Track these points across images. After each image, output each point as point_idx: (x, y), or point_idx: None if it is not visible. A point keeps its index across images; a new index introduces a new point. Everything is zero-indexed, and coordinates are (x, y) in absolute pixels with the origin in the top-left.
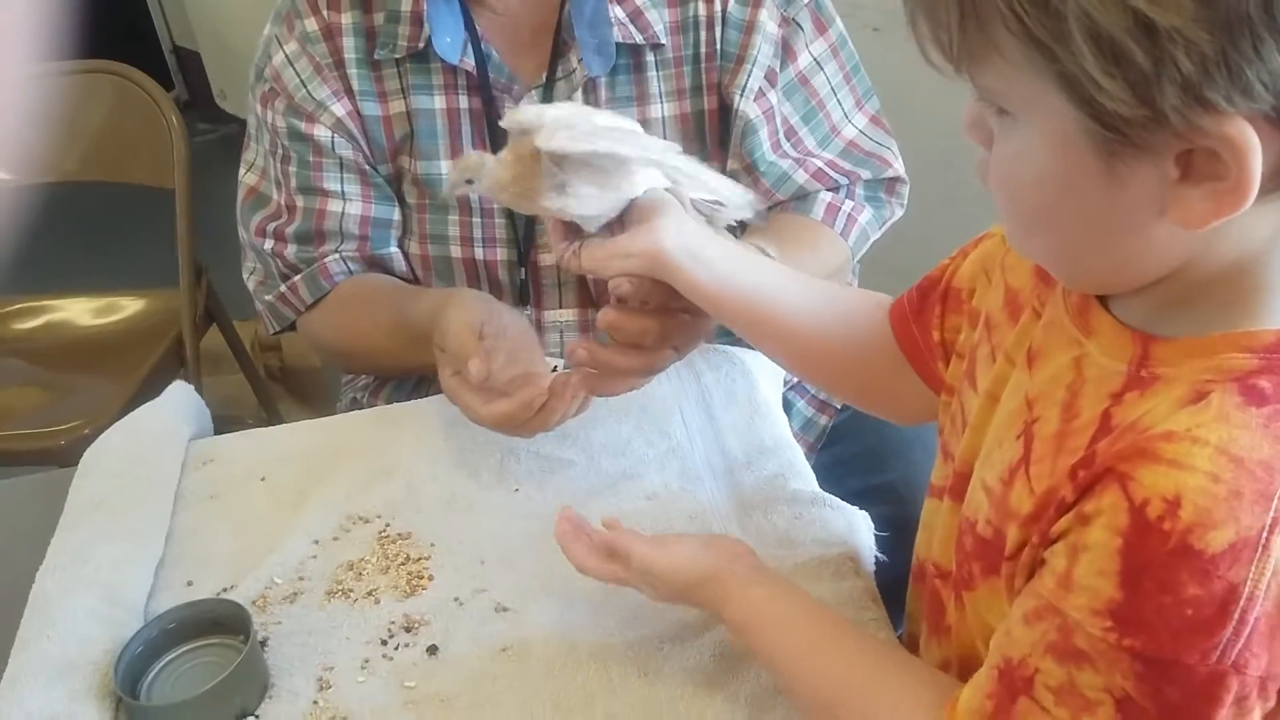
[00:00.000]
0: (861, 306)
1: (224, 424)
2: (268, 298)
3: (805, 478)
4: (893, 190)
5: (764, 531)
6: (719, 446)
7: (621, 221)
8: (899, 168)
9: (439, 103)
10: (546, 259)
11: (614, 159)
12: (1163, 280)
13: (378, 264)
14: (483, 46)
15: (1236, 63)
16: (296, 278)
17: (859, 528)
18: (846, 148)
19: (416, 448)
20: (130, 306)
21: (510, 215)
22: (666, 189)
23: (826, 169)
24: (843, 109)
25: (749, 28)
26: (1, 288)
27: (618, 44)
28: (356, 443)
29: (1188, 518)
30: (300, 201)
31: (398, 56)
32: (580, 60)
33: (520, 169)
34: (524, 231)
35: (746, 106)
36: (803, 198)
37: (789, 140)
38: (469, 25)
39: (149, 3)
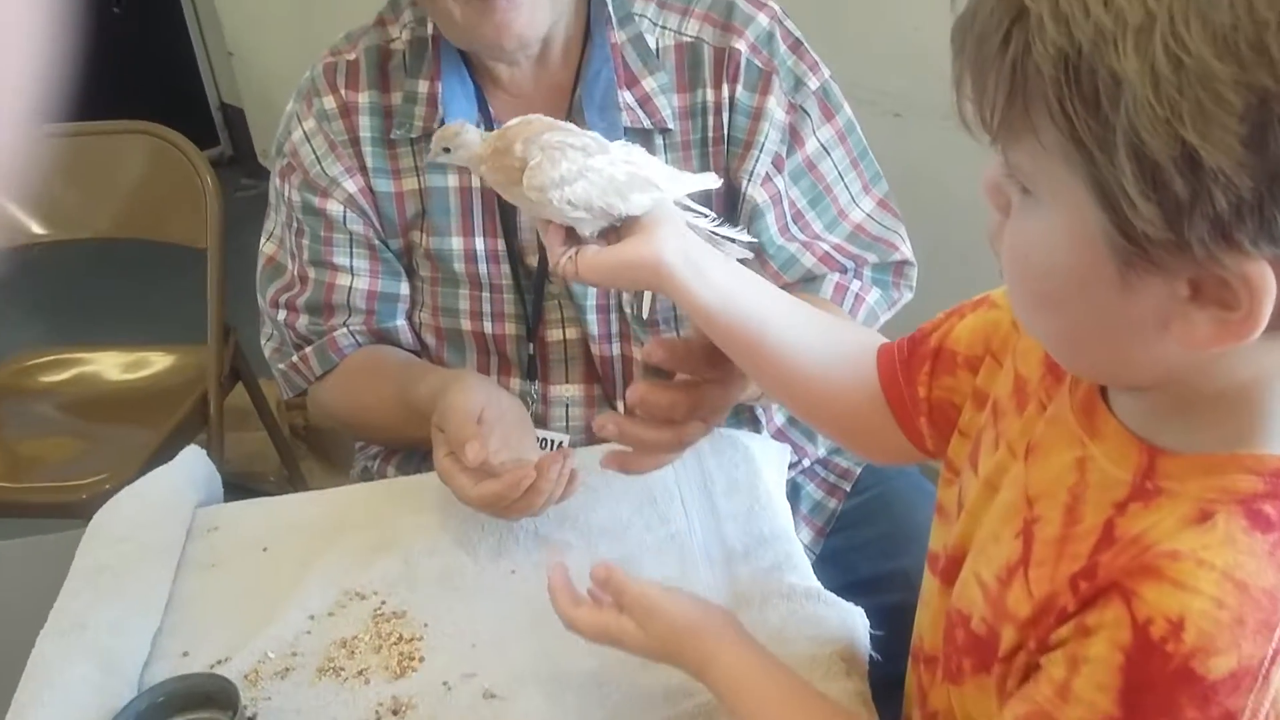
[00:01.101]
0: (856, 344)
1: (246, 480)
2: (281, 366)
3: (802, 571)
4: (901, 273)
5: (758, 627)
6: (718, 535)
7: (618, 231)
8: (906, 251)
9: (452, 181)
10: (554, 335)
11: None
12: (1163, 387)
13: (384, 336)
14: (495, 127)
15: (1271, 211)
16: (308, 349)
17: (855, 625)
18: (853, 231)
19: (417, 522)
20: (160, 362)
21: (519, 291)
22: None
23: (833, 253)
24: (850, 193)
25: (757, 114)
26: (36, 340)
27: (626, 128)
28: (359, 516)
29: (1191, 641)
30: (312, 274)
31: (414, 136)
32: None
33: (503, 145)
34: (533, 308)
35: (754, 191)
36: (810, 280)
37: (796, 224)
38: (483, 107)
39: (199, 62)
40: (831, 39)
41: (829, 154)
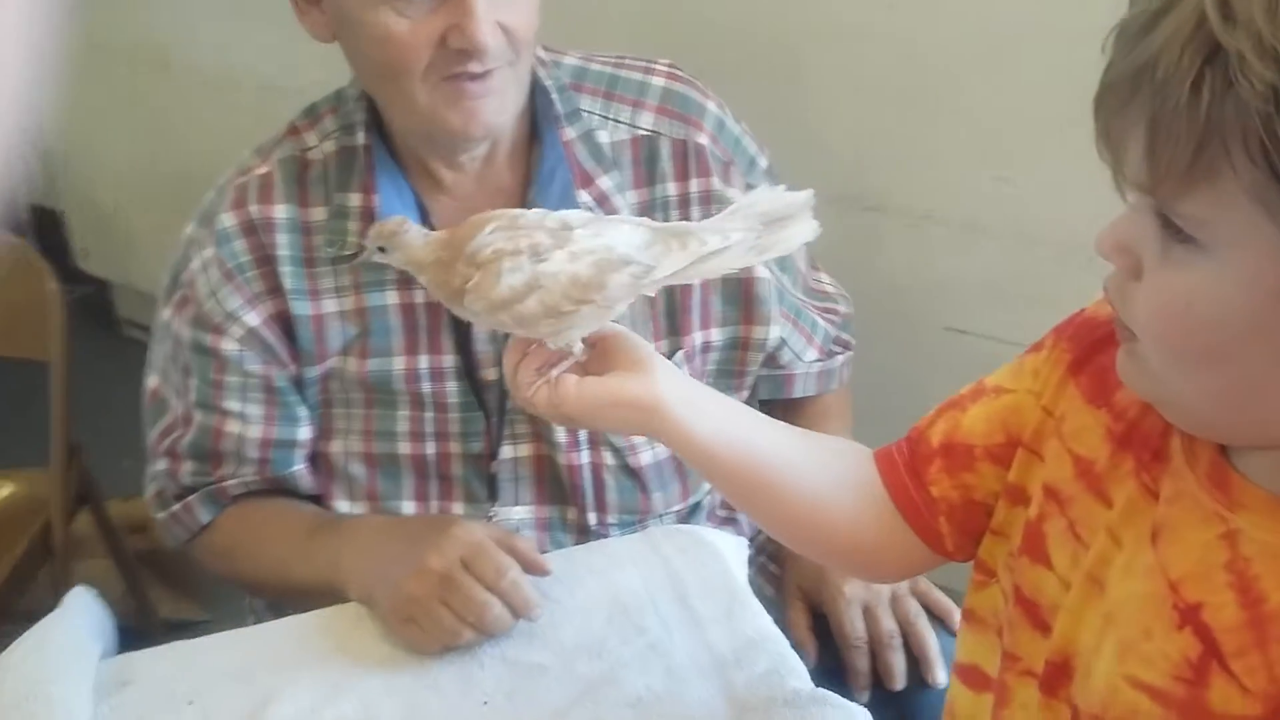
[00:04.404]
0: (845, 456)
1: None
2: (161, 515)
3: (799, 674)
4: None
5: None
6: (702, 641)
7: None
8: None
9: (392, 298)
10: (506, 452)
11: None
12: None
13: (281, 484)
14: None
15: None
16: (191, 497)
17: None
18: (811, 288)
19: (367, 657)
20: None
21: (474, 408)
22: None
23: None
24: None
25: (720, 200)
26: None
27: None
28: (299, 654)
29: None
30: (198, 416)
31: (347, 254)
32: None
33: (447, 255)
34: (497, 425)
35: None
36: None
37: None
38: (424, 217)
39: None
40: (809, 132)
41: None
